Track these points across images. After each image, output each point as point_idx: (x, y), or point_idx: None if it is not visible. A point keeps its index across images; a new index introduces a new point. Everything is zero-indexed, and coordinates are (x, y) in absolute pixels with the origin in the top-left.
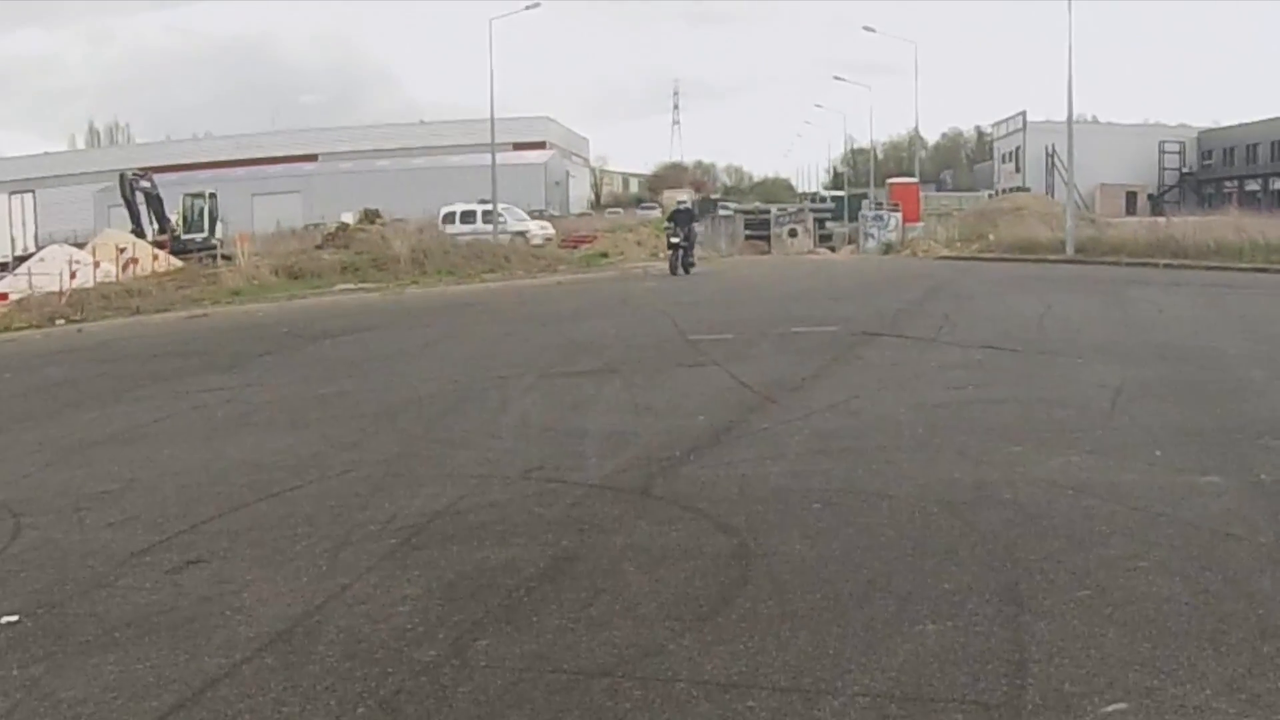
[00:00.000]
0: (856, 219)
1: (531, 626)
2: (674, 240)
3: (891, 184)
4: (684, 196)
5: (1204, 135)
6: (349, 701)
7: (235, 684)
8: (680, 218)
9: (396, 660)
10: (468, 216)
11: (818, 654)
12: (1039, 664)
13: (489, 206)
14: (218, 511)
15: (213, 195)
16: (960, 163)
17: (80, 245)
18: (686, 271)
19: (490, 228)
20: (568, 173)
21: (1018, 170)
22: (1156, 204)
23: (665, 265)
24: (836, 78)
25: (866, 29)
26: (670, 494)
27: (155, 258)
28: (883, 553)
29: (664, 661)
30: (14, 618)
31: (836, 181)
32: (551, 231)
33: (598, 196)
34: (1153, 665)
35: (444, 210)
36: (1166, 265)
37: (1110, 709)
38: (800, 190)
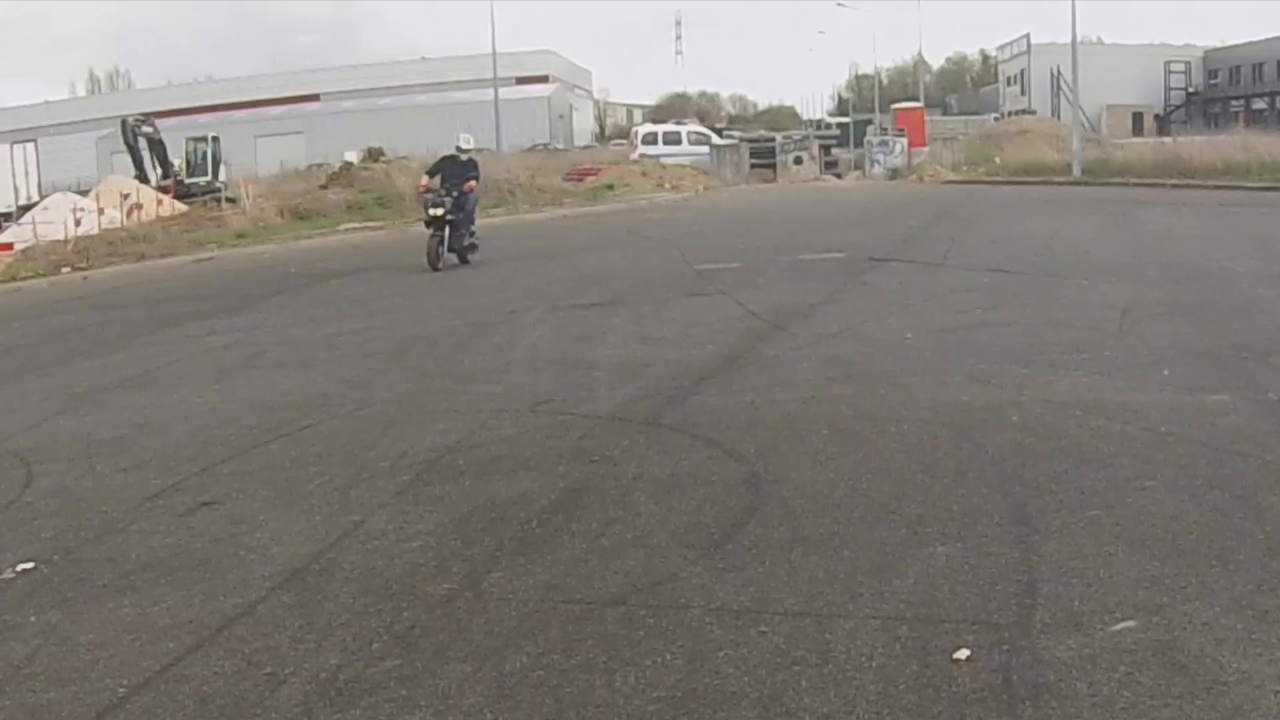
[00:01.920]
0: (862, 145)
1: (544, 558)
2: (435, 211)
3: (896, 109)
4: (465, 139)
5: (1210, 54)
6: (365, 637)
7: (252, 623)
8: (449, 172)
9: (411, 595)
10: (671, 137)
11: (828, 578)
12: (1048, 583)
13: (695, 127)
14: (229, 453)
15: (215, 139)
16: (965, 87)
17: (84, 193)
18: (462, 260)
19: (695, 149)
20: (571, 106)
21: (1023, 93)
22: (1163, 124)
23: (672, 195)
24: (840, 3)
25: None
26: (680, 423)
27: (159, 203)
28: (892, 476)
29: (676, 589)
30: (30, 564)
31: (842, 108)
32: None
33: (602, 129)
34: (1161, 583)
35: (642, 131)
36: (1174, 185)
37: (1119, 626)
38: (806, 118)
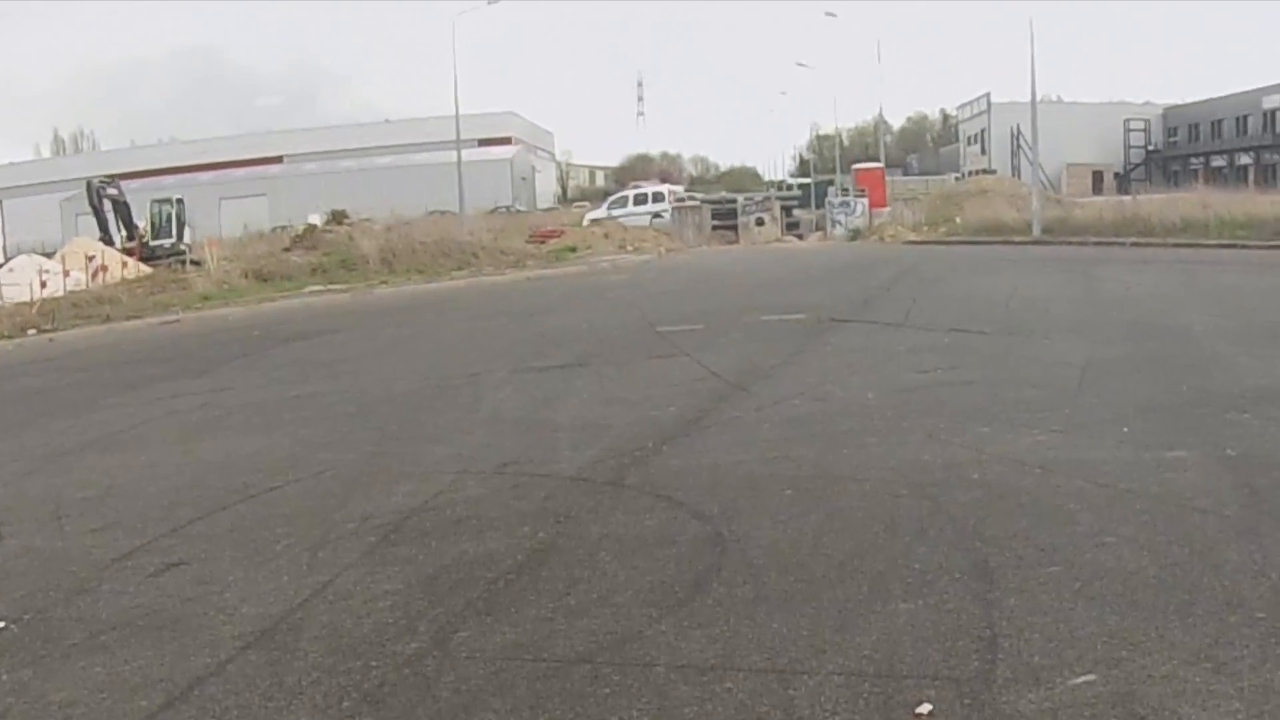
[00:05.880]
0: (824, 206)
1: (511, 617)
2: None
3: (857, 170)
4: None
5: (1169, 112)
6: (334, 695)
7: (222, 682)
8: None
9: (380, 654)
10: (640, 199)
11: (792, 635)
12: (1009, 638)
13: (657, 189)
14: (197, 514)
15: (180, 201)
16: (926, 146)
17: (49, 255)
18: None
19: (652, 209)
20: (534, 167)
21: (983, 152)
22: (1123, 182)
23: (634, 258)
24: (799, 64)
25: (829, 14)
26: (644, 484)
27: (124, 265)
28: (854, 535)
29: (642, 647)
30: (0, 623)
31: (803, 169)
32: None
33: (564, 190)
34: (1121, 637)
35: (614, 196)
36: (1134, 243)
37: (1080, 680)
38: (767, 179)
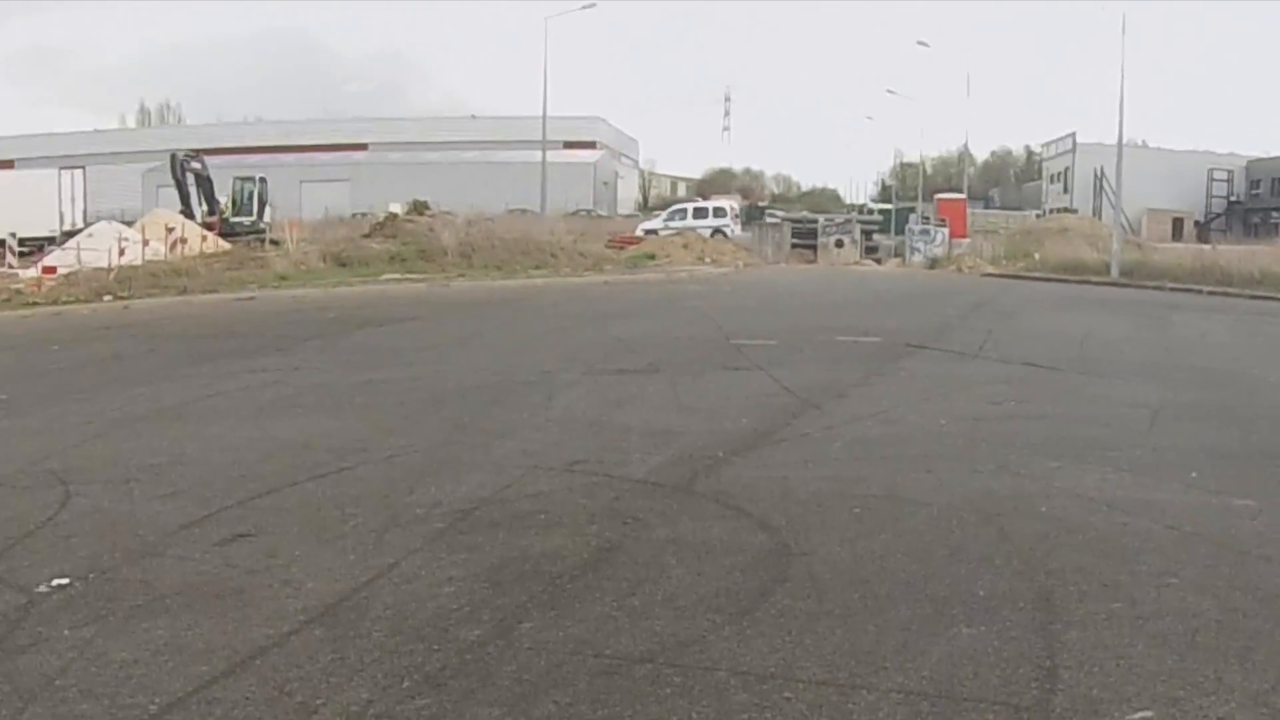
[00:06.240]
0: (903, 232)
1: (574, 612)
2: None
3: (939, 199)
4: None
5: (1253, 164)
6: (395, 675)
7: (284, 654)
8: None
9: (442, 638)
10: (700, 213)
11: (853, 650)
12: (1069, 670)
13: (718, 204)
14: (265, 489)
15: (263, 180)
16: (1008, 181)
17: (129, 223)
18: None
19: (713, 223)
20: (616, 173)
21: (1065, 191)
22: (1203, 230)
23: (711, 269)
24: (888, 91)
25: (920, 44)
26: (712, 492)
27: (204, 239)
28: (919, 557)
29: (703, 651)
30: (65, 580)
31: (884, 194)
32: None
33: (645, 198)
34: (1180, 677)
35: (673, 208)
36: (1210, 292)
37: (1137, 716)
38: (848, 201)
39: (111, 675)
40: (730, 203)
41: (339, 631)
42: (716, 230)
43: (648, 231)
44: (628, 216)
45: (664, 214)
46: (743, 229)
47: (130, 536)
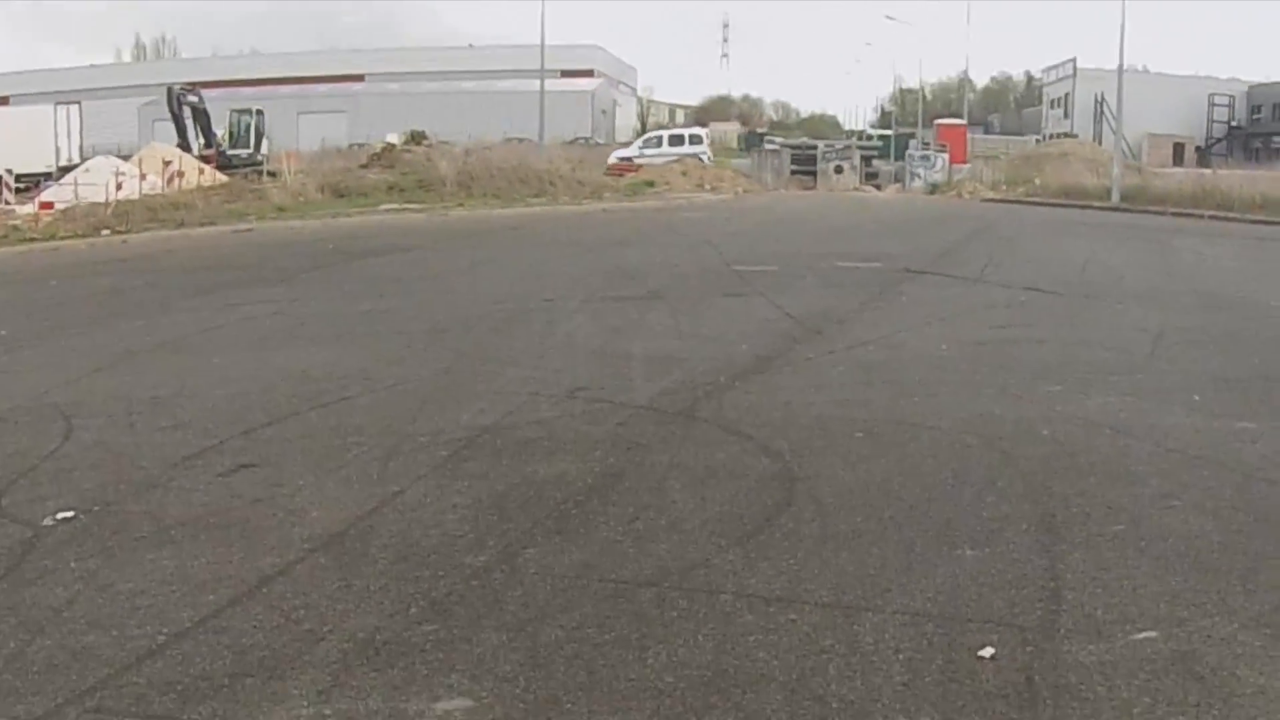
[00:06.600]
0: (903, 158)
1: (579, 538)
2: None
3: (939, 125)
4: None
5: (1254, 89)
6: (402, 602)
7: (290, 582)
8: None
9: (448, 565)
10: (676, 140)
11: (858, 573)
12: (1073, 591)
13: (694, 131)
14: (268, 419)
15: (259, 112)
16: (1008, 107)
17: (126, 158)
18: None
19: (688, 151)
20: (615, 102)
21: (1066, 117)
22: (1204, 156)
23: (710, 196)
24: (887, 17)
25: None
26: (715, 417)
27: (201, 172)
28: (923, 481)
29: (709, 575)
30: (69, 513)
31: (884, 121)
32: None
33: (644, 126)
34: (1183, 598)
35: (648, 135)
36: (1211, 217)
37: (1140, 636)
38: (848, 128)
39: (119, 606)
40: (704, 130)
41: (345, 559)
42: (694, 157)
43: (622, 159)
44: (626, 144)
45: (639, 142)
46: (743, 156)
47: (134, 469)
